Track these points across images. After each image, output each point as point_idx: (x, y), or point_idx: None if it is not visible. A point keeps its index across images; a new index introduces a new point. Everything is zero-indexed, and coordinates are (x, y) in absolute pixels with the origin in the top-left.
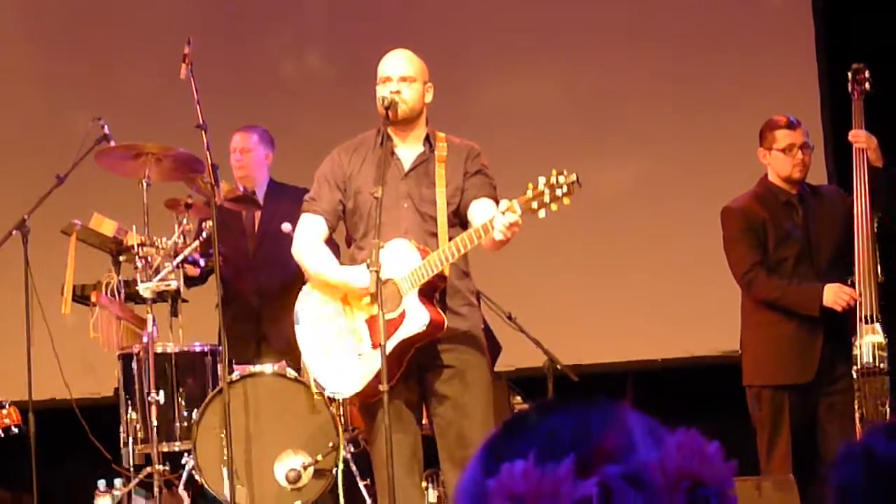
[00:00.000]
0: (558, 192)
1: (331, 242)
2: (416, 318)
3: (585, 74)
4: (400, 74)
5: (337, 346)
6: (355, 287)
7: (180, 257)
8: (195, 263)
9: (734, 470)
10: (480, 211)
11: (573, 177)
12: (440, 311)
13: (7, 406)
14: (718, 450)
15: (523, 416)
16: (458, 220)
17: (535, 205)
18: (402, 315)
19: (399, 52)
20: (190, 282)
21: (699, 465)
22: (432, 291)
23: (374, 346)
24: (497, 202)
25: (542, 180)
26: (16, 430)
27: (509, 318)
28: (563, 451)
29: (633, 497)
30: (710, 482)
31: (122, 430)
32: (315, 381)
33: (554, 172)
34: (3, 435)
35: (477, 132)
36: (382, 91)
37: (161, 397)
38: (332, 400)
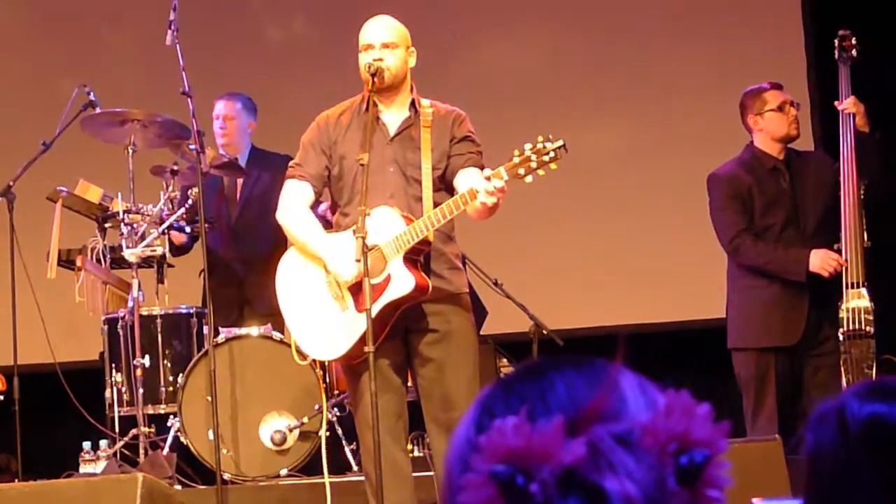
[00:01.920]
0: (545, 158)
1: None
2: (402, 283)
3: (572, 39)
4: (382, 41)
5: (320, 311)
6: (334, 271)
7: (166, 224)
8: (181, 230)
9: (726, 431)
10: (467, 179)
11: (559, 142)
12: (424, 275)
13: None
14: (709, 411)
15: (517, 374)
16: (444, 186)
17: (521, 171)
18: (387, 280)
19: (380, 18)
20: (177, 251)
21: (689, 426)
22: (417, 256)
23: (360, 311)
24: (483, 169)
25: (528, 146)
26: (0, 398)
27: (495, 284)
28: (556, 410)
29: (622, 456)
30: (701, 444)
31: (107, 393)
32: (297, 348)
33: (540, 138)
34: None
35: (464, 97)
36: (365, 58)
37: (146, 360)
38: (321, 364)
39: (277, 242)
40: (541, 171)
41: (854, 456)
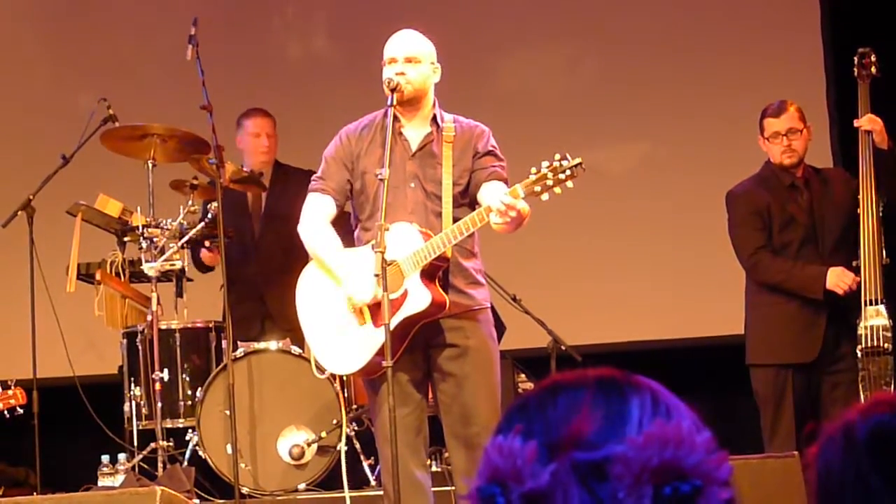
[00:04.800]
0: (561, 176)
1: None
2: (418, 299)
3: (591, 55)
4: (405, 55)
5: (338, 325)
6: (350, 294)
7: (185, 238)
8: (200, 243)
9: (725, 460)
10: (490, 194)
11: (577, 160)
12: (442, 291)
13: (13, 387)
14: (707, 440)
15: (535, 390)
16: (467, 201)
17: (538, 188)
18: (404, 295)
19: (405, 32)
20: (204, 269)
21: (678, 455)
22: (434, 272)
23: (377, 326)
24: (507, 183)
25: (545, 164)
26: (20, 411)
27: (514, 299)
28: (555, 429)
29: (578, 489)
30: (692, 474)
31: (126, 407)
32: (316, 363)
33: (557, 156)
34: (8, 416)
35: (483, 113)
36: (388, 72)
37: (165, 374)
38: (339, 378)
39: (299, 257)
40: (557, 189)
41: (861, 468)
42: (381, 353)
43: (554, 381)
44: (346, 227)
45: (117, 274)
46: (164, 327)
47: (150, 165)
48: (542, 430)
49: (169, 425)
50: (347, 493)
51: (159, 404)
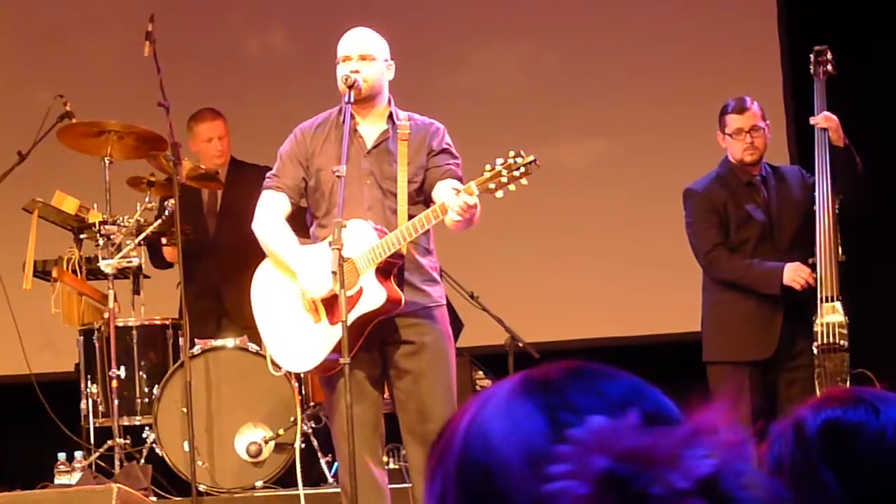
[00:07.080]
0: (515, 173)
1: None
2: (374, 296)
3: (547, 54)
4: (360, 53)
5: (294, 322)
6: (305, 287)
7: (142, 235)
8: (157, 241)
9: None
10: (445, 192)
11: (530, 158)
12: (397, 288)
13: None
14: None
15: (578, 371)
16: (422, 198)
17: (492, 185)
18: (360, 293)
19: (359, 30)
20: (164, 265)
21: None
22: (389, 269)
23: (332, 323)
24: (461, 181)
25: (499, 161)
26: None
27: (471, 297)
28: (648, 414)
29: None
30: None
31: (82, 404)
32: (272, 360)
33: (511, 153)
34: None
35: (439, 111)
36: (343, 70)
37: (122, 372)
38: (297, 376)
39: (255, 254)
40: (511, 187)
41: (812, 462)
42: (336, 350)
43: (598, 367)
44: (302, 223)
45: (74, 271)
46: (120, 324)
47: (107, 162)
48: (635, 409)
49: (126, 423)
50: (302, 491)
51: (116, 402)
